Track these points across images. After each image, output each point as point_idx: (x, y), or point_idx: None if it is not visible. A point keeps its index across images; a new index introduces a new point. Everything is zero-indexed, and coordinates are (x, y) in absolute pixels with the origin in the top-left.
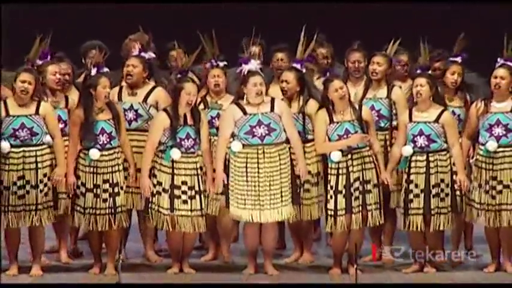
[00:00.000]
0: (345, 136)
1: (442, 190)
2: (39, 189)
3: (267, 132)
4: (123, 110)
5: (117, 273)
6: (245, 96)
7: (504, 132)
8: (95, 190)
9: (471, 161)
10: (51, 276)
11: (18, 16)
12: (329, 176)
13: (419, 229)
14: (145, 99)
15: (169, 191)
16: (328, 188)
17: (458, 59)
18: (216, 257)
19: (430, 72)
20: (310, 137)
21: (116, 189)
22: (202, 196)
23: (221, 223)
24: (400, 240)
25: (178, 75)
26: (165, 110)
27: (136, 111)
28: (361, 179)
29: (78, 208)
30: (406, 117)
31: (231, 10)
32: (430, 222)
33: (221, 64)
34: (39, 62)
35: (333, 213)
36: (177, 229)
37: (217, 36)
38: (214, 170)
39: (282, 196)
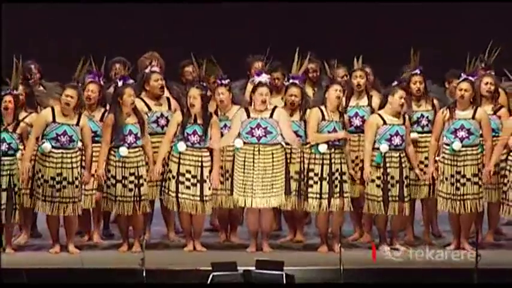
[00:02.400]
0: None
1: (409, 181)
2: (74, 185)
3: (263, 134)
4: (156, 118)
5: (142, 251)
6: (252, 103)
7: (467, 135)
8: (123, 181)
9: (437, 158)
10: (87, 253)
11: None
12: (313, 165)
13: (396, 213)
14: (169, 107)
15: (176, 177)
16: (312, 175)
17: (418, 71)
18: (227, 239)
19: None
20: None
21: (141, 181)
22: (204, 184)
23: (232, 212)
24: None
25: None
26: (182, 109)
27: (166, 118)
28: (339, 170)
29: (110, 196)
30: (379, 119)
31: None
32: (403, 207)
33: (225, 82)
34: (88, 81)
35: (318, 196)
36: (181, 210)
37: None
38: (221, 167)
39: (272, 188)
